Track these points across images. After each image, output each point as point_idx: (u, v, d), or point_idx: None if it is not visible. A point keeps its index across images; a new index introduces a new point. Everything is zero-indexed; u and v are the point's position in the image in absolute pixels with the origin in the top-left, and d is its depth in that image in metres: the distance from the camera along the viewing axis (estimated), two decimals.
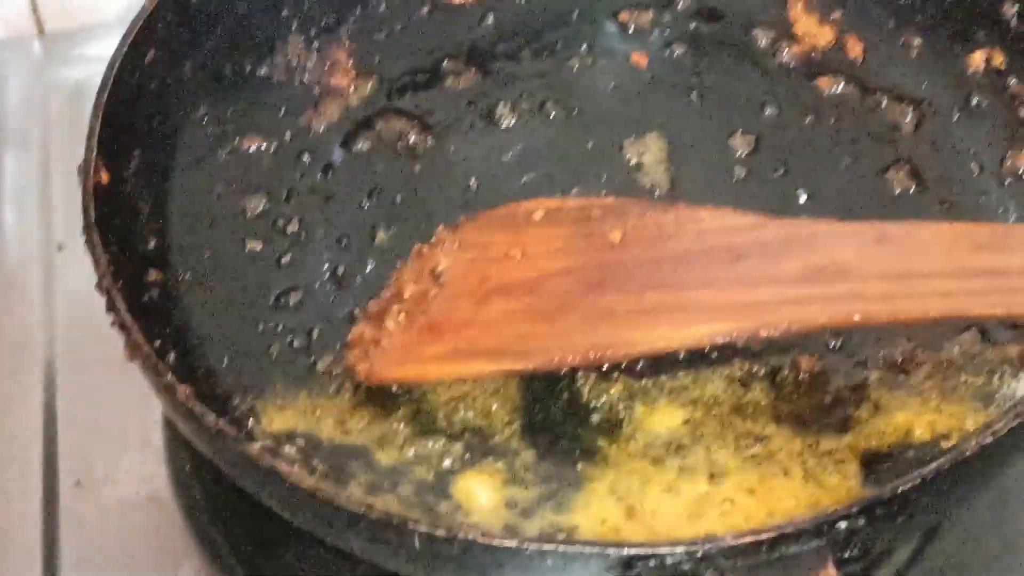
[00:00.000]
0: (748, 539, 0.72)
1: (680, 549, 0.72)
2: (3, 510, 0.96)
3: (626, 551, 0.72)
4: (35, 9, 1.17)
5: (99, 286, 0.84)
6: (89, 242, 0.86)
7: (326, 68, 1.05)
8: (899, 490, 0.73)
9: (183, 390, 0.80)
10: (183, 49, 1.00)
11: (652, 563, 0.72)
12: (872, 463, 0.88)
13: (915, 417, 0.89)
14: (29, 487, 0.97)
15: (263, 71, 1.04)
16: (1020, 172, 0.98)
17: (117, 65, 0.94)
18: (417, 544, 0.74)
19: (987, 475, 0.79)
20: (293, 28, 1.04)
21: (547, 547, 0.73)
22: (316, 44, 1.05)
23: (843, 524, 0.73)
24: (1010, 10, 1.00)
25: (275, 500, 0.81)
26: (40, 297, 1.05)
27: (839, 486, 0.86)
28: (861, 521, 0.73)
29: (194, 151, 1.00)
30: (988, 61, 1.01)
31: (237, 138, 1.01)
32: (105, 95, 0.92)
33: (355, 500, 0.76)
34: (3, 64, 1.17)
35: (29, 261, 1.06)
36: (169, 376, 0.80)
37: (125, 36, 0.96)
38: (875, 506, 0.73)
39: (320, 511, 0.77)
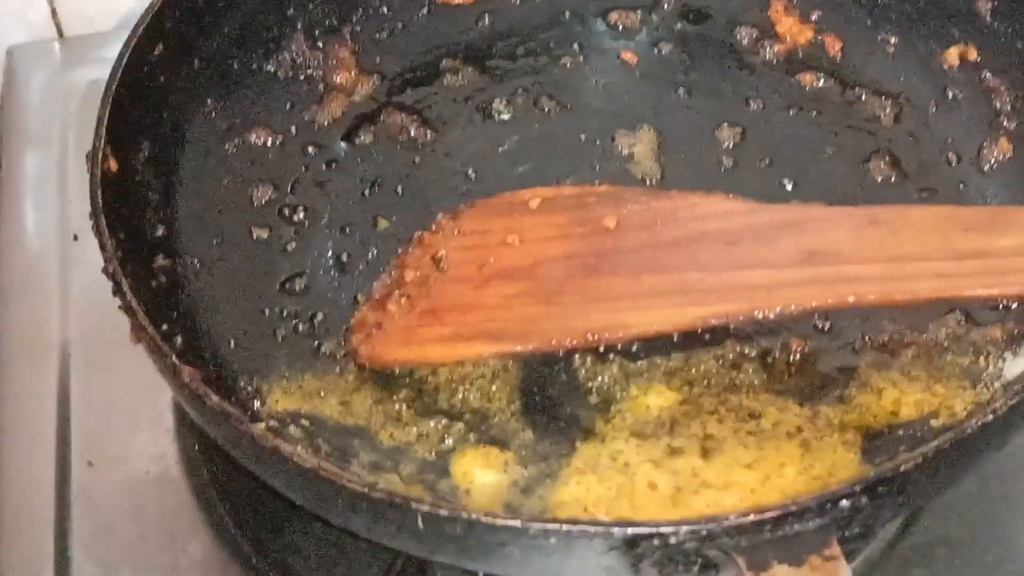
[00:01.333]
0: (752, 518, 0.63)
1: (684, 528, 0.63)
2: (18, 488, 0.88)
3: (630, 531, 0.63)
4: (55, 15, 1.10)
5: (105, 270, 0.76)
6: (96, 227, 0.78)
7: (330, 65, 0.97)
8: (902, 468, 0.65)
9: (188, 371, 0.72)
10: (191, 45, 0.92)
11: (656, 542, 0.63)
12: (864, 440, 0.79)
13: (903, 396, 0.81)
14: (43, 467, 0.88)
15: (269, 67, 0.96)
16: (996, 161, 0.90)
17: (125, 59, 0.86)
18: (420, 524, 0.65)
19: (982, 453, 0.71)
20: (298, 27, 0.97)
21: (551, 527, 0.64)
22: (320, 42, 0.97)
23: (846, 503, 0.64)
24: (984, 6, 0.92)
25: (278, 480, 0.72)
26: (56, 285, 0.97)
27: (838, 459, 0.78)
28: (864, 500, 0.65)
29: (202, 143, 0.92)
30: (963, 56, 0.94)
31: (244, 131, 0.94)
32: (114, 87, 0.85)
33: (357, 481, 0.68)
34: (25, 66, 1.10)
35: (46, 250, 0.98)
36: (173, 357, 0.72)
37: (133, 31, 0.88)
38: (878, 484, 0.65)
39: (322, 491, 0.68)
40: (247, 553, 0.84)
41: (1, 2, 1.08)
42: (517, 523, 0.65)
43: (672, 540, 0.63)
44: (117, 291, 0.75)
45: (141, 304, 0.75)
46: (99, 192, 0.80)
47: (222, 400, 0.73)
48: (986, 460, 0.73)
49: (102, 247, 0.78)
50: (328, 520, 0.73)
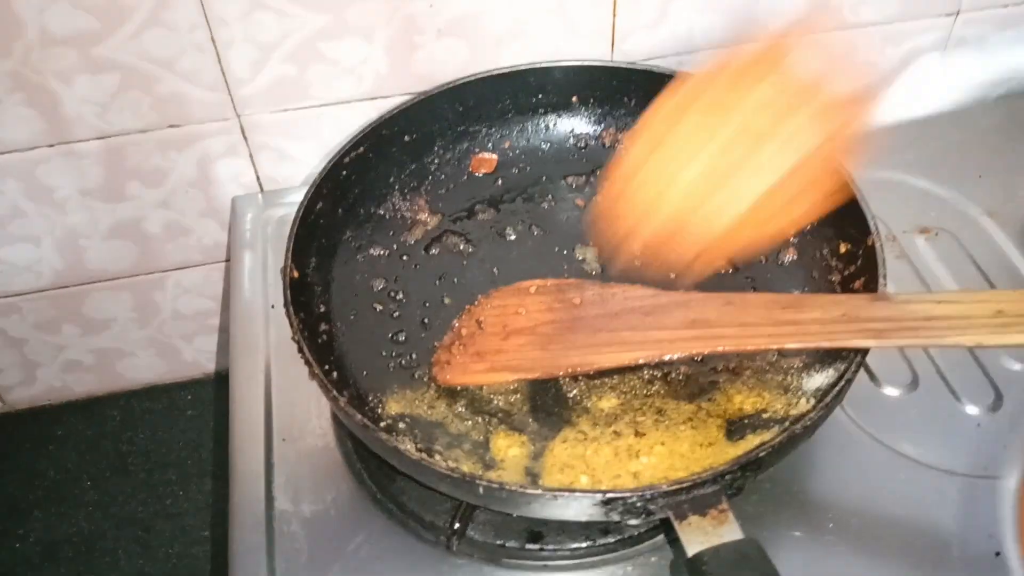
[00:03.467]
0: (676, 487, 0.57)
1: (636, 494, 0.57)
2: (241, 455, 0.80)
3: (603, 495, 0.57)
4: (259, 177, 1.02)
5: (293, 338, 0.70)
6: (287, 312, 0.72)
7: (413, 208, 0.89)
8: (760, 454, 0.59)
9: (341, 401, 0.65)
10: (338, 200, 0.85)
11: (620, 502, 0.57)
12: (727, 425, 0.72)
13: (745, 400, 0.74)
14: (255, 441, 0.80)
15: (381, 211, 0.88)
16: (787, 261, 0.83)
17: (302, 209, 0.79)
18: (480, 491, 0.59)
19: (801, 442, 0.64)
20: (396, 188, 0.89)
21: (559, 493, 0.58)
22: (408, 196, 0.90)
23: (728, 476, 0.58)
24: None
25: (395, 462, 0.65)
26: (262, 330, 0.88)
27: (712, 436, 0.71)
28: (739, 472, 0.58)
29: (344, 256, 0.84)
30: None
31: (367, 248, 0.86)
32: (296, 227, 0.77)
33: (442, 466, 0.61)
34: (244, 208, 1.01)
35: (257, 313, 0.89)
36: (333, 391, 0.66)
37: (305, 194, 0.81)
38: (748, 463, 0.58)
39: (422, 472, 0.63)
40: (374, 492, 0.77)
41: (226, 169, 1.00)
42: (539, 491, 0.58)
43: (629, 500, 0.57)
44: (300, 352, 0.69)
45: (313, 356, 0.69)
46: (288, 291, 0.73)
47: (359, 412, 0.66)
48: (801, 447, 0.67)
49: (290, 325, 0.71)
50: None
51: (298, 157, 1.04)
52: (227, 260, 1.11)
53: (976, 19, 1.08)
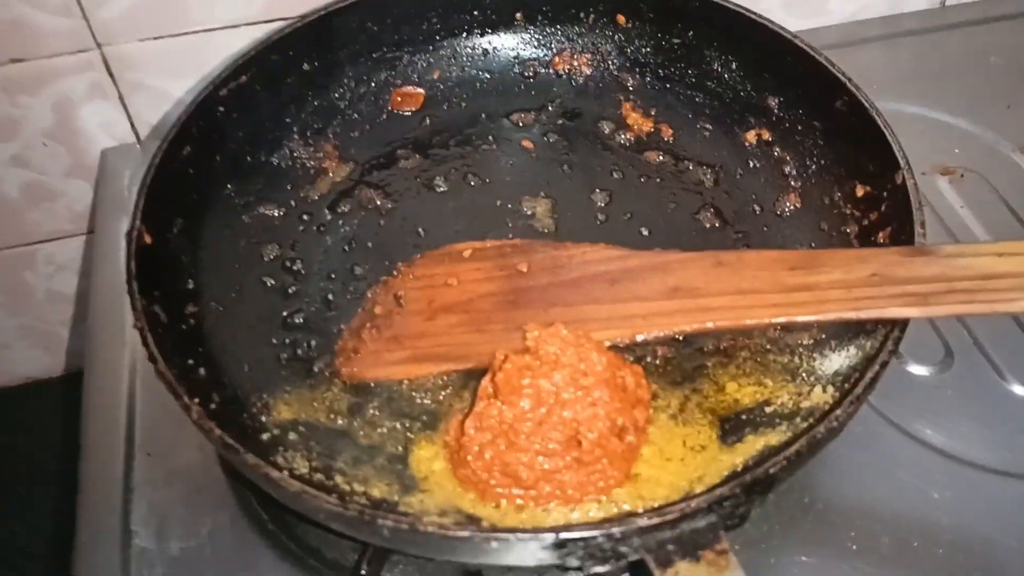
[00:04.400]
0: (654, 520, 0.41)
1: (600, 532, 0.40)
2: (95, 473, 0.62)
3: (559, 536, 0.40)
4: (134, 127, 0.84)
5: (135, 325, 0.52)
6: (129, 291, 0.53)
7: (318, 156, 0.71)
8: (772, 470, 0.42)
9: (194, 408, 0.48)
10: (213, 146, 0.65)
11: (579, 545, 0.40)
12: (719, 423, 0.55)
13: (741, 389, 0.56)
14: (112, 455, 0.62)
15: (274, 159, 0.69)
16: (788, 210, 0.66)
17: (159, 157, 0.60)
18: (386, 532, 0.42)
19: (817, 452, 0.48)
20: (294, 130, 0.70)
21: (494, 536, 0.41)
22: (310, 140, 0.71)
23: (728, 502, 0.41)
24: (773, 101, 0.69)
25: (272, 493, 0.48)
26: (129, 317, 0.66)
27: (703, 439, 0.54)
28: (742, 498, 0.42)
29: (224, 216, 0.65)
30: (759, 136, 0.70)
31: (256, 205, 0.67)
32: (148, 179, 0.58)
33: (333, 501, 0.43)
34: (116, 163, 0.83)
35: (122, 294, 0.69)
36: (184, 394, 0.48)
37: (164, 137, 0.62)
38: (753, 484, 0.42)
39: (308, 507, 0.45)
40: (264, 522, 0.58)
41: (92, 115, 0.82)
42: (465, 533, 0.42)
43: (592, 542, 0.40)
44: (143, 343, 0.51)
45: (167, 346, 0.51)
46: (132, 263, 0.54)
47: (230, 420, 0.50)
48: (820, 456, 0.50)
49: (133, 307, 0.53)
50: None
51: (182, 99, 0.84)
52: (89, 232, 0.92)
53: None
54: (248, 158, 0.70)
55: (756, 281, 0.54)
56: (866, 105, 0.64)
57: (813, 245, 0.66)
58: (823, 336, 0.59)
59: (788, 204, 0.68)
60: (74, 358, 1.05)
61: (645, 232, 0.69)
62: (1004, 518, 0.59)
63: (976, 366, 0.67)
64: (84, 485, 0.63)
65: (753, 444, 0.54)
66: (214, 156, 0.68)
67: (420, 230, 0.69)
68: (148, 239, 0.58)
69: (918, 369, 0.67)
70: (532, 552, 0.45)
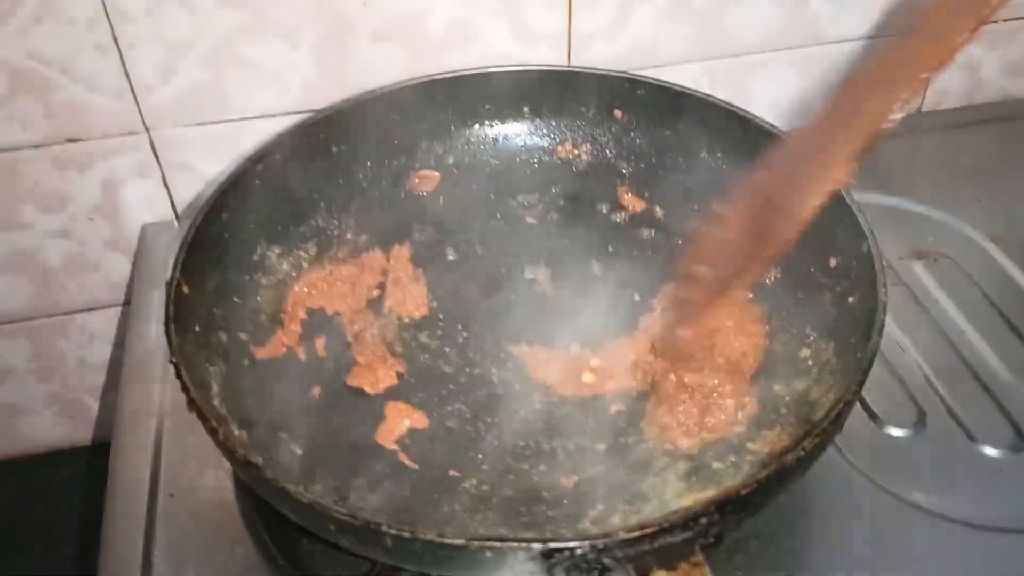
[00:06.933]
0: (636, 534, 0.45)
1: (586, 543, 0.44)
2: (121, 510, 0.66)
3: (547, 546, 0.45)
4: (173, 204, 0.91)
5: (169, 360, 0.57)
6: (167, 332, 0.59)
7: (341, 228, 0.78)
8: (743, 492, 0.47)
9: (221, 431, 0.53)
10: (247, 213, 0.73)
11: (566, 555, 0.44)
12: None
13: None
14: (138, 494, 0.67)
15: (302, 229, 0.77)
16: (766, 282, 0.72)
17: (199, 220, 0.68)
18: (389, 543, 0.46)
19: (794, 478, 0.52)
20: (321, 205, 0.78)
21: (487, 544, 0.45)
22: (335, 214, 0.78)
23: (704, 519, 0.46)
24: None
25: (286, 509, 0.52)
26: (160, 371, 0.76)
27: None
28: (716, 515, 0.46)
29: (255, 276, 0.72)
30: None
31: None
32: (190, 237, 0.66)
33: (344, 511, 0.48)
34: (155, 238, 0.90)
35: (157, 351, 0.77)
36: (213, 422, 0.53)
37: (206, 202, 0.70)
38: (725, 503, 0.46)
39: (315, 519, 0.49)
40: (275, 555, 0.62)
41: (136, 192, 0.89)
42: (461, 541, 0.46)
43: (578, 552, 0.45)
44: (177, 375, 0.56)
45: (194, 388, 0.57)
46: (171, 307, 0.61)
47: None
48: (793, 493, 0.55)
49: (169, 346, 0.59)
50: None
51: (218, 180, 0.93)
52: (125, 303, 0.98)
53: None
54: (279, 227, 0.77)
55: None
56: (844, 196, 0.69)
57: (793, 311, 0.71)
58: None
59: (771, 276, 0.74)
60: (100, 428, 1.10)
61: (637, 297, 0.75)
62: (976, 568, 0.62)
63: (948, 428, 0.71)
64: (109, 518, 0.67)
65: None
66: (248, 223, 0.74)
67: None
68: (186, 289, 0.65)
69: (895, 431, 0.71)
70: (522, 563, 0.49)
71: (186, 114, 0.88)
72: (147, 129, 0.88)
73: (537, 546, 0.47)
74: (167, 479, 0.69)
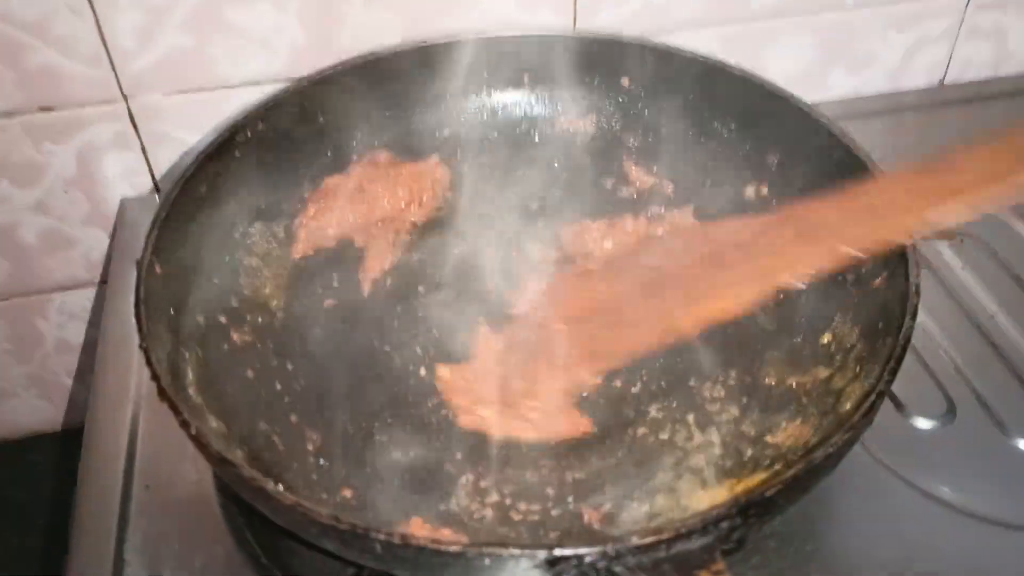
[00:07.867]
0: (649, 540, 0.40)
1: (596, 550, 0.40)
2: (92, 503, 0.62)
3: (552, 553, 0.40)
4: (154, 178, 0.86)
5: (140, 346, 0.52)
6: (136, 315, 0.54)
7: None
8: (768, 493, 0.42)
9: (193, 426, 0.48)
10: (227, 187, 0.67)
11: (572, 563, 0.40)
12: None
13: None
14: (111, 486, 0.62)
15: (284, 206, 0.71)
16: None
17: (174, 195, 0.63)
18: (378, 548, 0.42)
19: (822, 476, 0.48)
20: (307, 180, 0.73)
21: (486, 550, 0.41)
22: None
23: (725, 523, 0.41)
24: (772, 159, 0.71)
25: (266, 510, 0.48)
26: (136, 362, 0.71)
27: None
28: (738, 519, 0.42)
29: (233, 256, 0.67)
30: (757, 191, 0.72)
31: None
32: (163, 213, 0.61)
33: (326, 515, 0.44)
34: (134, 213, 0.85)
35: (131, 343, 0.71)
36: (185, 414, 0.48)
37: (181, 175, 0.64)
38: (748, 506, 0.42)
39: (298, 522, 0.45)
40: (257, 554, 0.58)
41: (114, 164, 0.84)
42: (458, 548, 0.41)
43: (586, 560, 0.40)
44: (147, 362, 0.52)
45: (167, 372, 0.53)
46: (142, 289, 0.56)
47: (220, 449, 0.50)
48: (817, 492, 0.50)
49: (139, 329, 0.54)
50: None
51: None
52: (102, 281, 0.93)
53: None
54: (261, 203, 0.72)
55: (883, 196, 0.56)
56: (862, 159, 0.65)
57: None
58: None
59: None
60: (76, 411, 1.06)
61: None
62: (1009, 569, 0.58)
63: (979, 420, 0.67)
64: (79, 514, 0.62)
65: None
66: (228, 197, 0.69)
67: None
68: (159, 269, 0.60)
69: (922, 422, 0.67)
70: (524, 571, 0.45)
71: (167, 81, 0.83)
72: (125, 97, 0.83)
73: (541, 553, 0.44)
74: (143, 471, 0.64)
